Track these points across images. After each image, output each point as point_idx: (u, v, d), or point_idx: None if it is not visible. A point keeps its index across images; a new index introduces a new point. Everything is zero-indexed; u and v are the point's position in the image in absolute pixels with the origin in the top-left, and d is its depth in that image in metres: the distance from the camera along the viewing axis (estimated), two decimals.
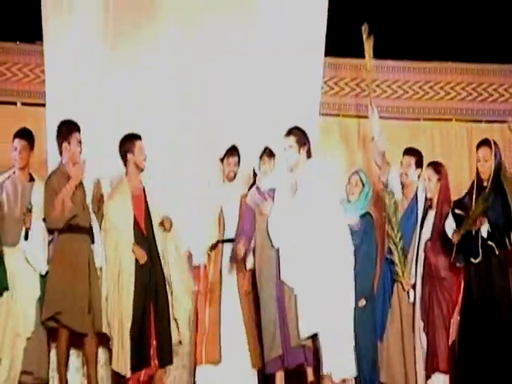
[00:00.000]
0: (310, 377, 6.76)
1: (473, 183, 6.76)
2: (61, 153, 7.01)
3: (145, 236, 7.03)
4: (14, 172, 6.96)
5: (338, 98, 8.12)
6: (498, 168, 6.70)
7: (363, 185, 7.34)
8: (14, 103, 7.87)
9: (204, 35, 7.83)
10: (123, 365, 6.80)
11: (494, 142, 6.81)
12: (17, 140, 6.95)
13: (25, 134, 6.99)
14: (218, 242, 7.25)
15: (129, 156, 7.04)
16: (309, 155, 7.02)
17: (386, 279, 7.23)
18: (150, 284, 7.00)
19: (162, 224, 7.06)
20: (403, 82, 8.23)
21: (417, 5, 8.06)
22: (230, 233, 7.21)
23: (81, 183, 6.99)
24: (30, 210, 6.82)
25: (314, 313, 6.67)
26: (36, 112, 7.74)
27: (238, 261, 7.11)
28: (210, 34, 7.85)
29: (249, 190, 7.24)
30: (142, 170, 7.16)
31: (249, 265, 7.20)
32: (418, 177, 7.37)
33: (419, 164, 7.36)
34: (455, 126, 8.26)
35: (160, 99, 7.66)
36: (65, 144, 6.95)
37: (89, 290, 6.85)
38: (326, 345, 6.64)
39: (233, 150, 7.42)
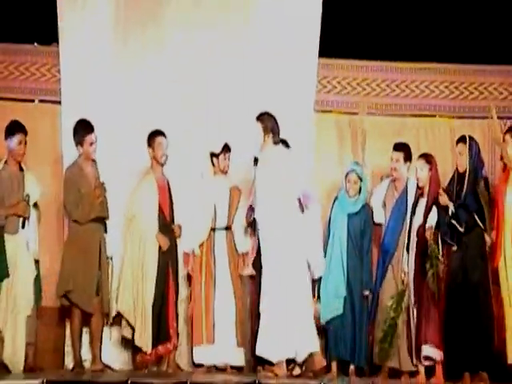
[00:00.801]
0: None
1: (454, 174, 7.24)
2: (78, 150, 7.32)
3: (169, 223, 7.43)
4: (6, 162, 7.20)
5: (330, 96, 8.31)
6: (475, 162, 7.13)
7: (361, 179, 7.59)
8: (32, 100, 8.09)
9: (205, 38, 8.02)
10: (145, 341, 7.22)
11: (470, 138, 7.24)
12: (19, 134, 7.16)
13: (22, 128, 7.23)
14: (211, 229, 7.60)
15: (149, 150, 7.41)
16: (276, 142, 7.29)
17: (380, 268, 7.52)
18: (170, 268, 7.40)
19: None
20: (391, 81, 8.39)
21: (405, 10, 8.22)
22: (222, 222, 7.60)
23: (98, 178, 7.33)
24: (26, 201, 7.12)
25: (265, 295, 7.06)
26: (52, 109, 8.03)
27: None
28: (211, 37, 8.03)
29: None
30: (162, 165, 7.44)
31: (242, 249, 7.60)
32: (408, 170, 7.59)
33: (407, 158, 7.60)
34: (439, 122, 8.45)
35: (164, 100, 7.87)
36: (80, 142, 7.28)
37: (98, 274, 7.21)
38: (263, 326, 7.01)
39: (227, 147, 7.69)
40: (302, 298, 7.05)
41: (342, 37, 8.13)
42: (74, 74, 7.94)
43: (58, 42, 7.94)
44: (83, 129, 7.33)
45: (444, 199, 7.11)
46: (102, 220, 7.32)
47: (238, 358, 7.46)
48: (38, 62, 8.08)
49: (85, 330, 7.38)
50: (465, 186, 7.15)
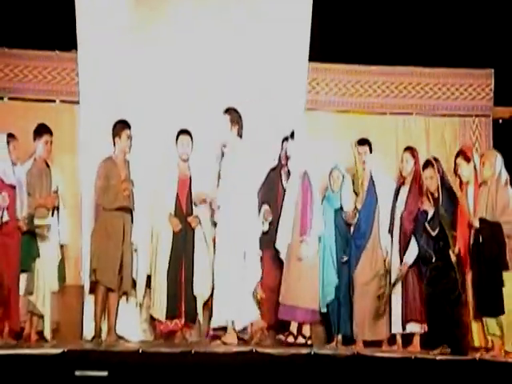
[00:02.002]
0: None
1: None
2: (114, 145, 7.75)
3: (183, 212, 7.81)
4: (35, 159, 7.64)
5: (320, 96, 8.70)
6: (443, 181, 7.38)
7: (343, 176, 7.93)
8: (54, 101, 8.42)
9: (204, 41, 8.32)
10: (160, 312, 7.67)
11: (435, 159, 7.48)
12: (46, 135, 7.62)
13: (48, 130, 7.67)
14: None
15: (176, 148, 7.86)
16: (240, 135, 7.61)
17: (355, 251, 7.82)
18: (184, 251, 7.78)
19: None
20: (373, 83, 8.76)
21: (385, 21, 8.67)
22: None
23: (128, 174, 7.75)
24: (56, 192, 7.63)
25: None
26: (71, 108, 8.40)
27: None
28: (209, 41, 8.32)
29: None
30: (184, 161, 7.85)
31: None
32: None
33: (371, 150, 7.92)
34: (415, 119, 8.81)
35: (179, 99, 8.19)
36: (116, 138, 7.73)
37: (121, 256, 7.62)
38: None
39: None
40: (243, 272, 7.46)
41: (330, 43, 8.53)
42: (91, 77, 8.29)
43: (76, 49, 8.29)
44: (121, 126, 7.70)
45: (427, 205, 7.41)
46: (127, 209, 7.71)
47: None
48: (59, 67, 8.40)
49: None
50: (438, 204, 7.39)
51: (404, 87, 8.83)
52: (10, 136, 7.39)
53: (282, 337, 7.63)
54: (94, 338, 7.71)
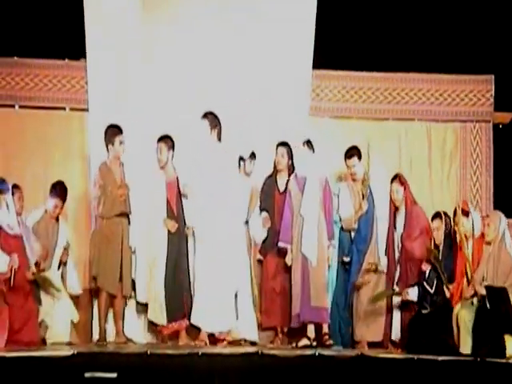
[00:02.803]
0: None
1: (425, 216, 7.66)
2: (108, 149, 7.72)
3: (174, 214, 7.74)
4: (46, 211, 7.74)
5: (323, 103, 8.76)
6: (449, 234, 7.45)
7: (339, 189, 7.95)
8: (64, 108, 8.54)
9: (208, 47, 8.36)
10: (161, 317, 7.61)
11: (445, 214, 7.50)
12: (57, 200, 7.67)
13: (62, 194, 7.74)
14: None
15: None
16: (219, 138, 7.62)
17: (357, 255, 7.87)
18: (179, 253, 7.73)
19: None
20: (375, 89, 8.80)
21: (387, 28, 8.72)
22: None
23: (123, 178, 7.73)
24: (66, 248, 7.75)
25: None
26: (81, 115, 8.50)
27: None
28: (213, 47, 8.36)
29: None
30: (162, 168, 7.76)
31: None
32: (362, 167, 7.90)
33: (360, 157, 7.86)
34: (417, 125, 8.87)
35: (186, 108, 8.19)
36: (109, 145, 7.72)
37: (120, 261, 7.63)
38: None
39: (253, 155, 8.03)
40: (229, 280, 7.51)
41: (333, 50, 8.62)
42: (100, 85, 8.41)
43: (85, 58, 8.41)
44: (113, 131, 7.70)
45: (425, 265, 7.47)
46: (124, 214, 7.73)
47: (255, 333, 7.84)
48: (68, 75, 8.50)
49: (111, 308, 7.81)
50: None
51: (406, 93, 8.88)
52: (15, 187, 7.49)
53: (306, 341, 7.69)
54: (98, 341, 7.77)
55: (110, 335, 7.87)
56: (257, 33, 8.50)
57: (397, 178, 7.87)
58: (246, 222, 8.03)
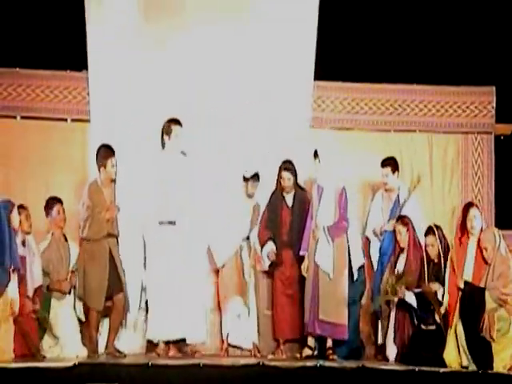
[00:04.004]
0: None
1: (423, 260, 7.55)
2: (100, 172, 7.70)
3: None
4: (53, 234, 7.74)
5: (325, 114, 8.78)
6: (445, 248, 7.49)
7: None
8: (65, 119, 8.53)
9: (210, 56, 8.35)
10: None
11: (437, 227, 7.56)
12: (57, 205, 7.64)
13: (58, 199, 7.72)
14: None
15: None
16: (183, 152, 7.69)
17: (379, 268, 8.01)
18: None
19: None
20: (377, 100, 8.84)
21: (388, 39, 8.79)
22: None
23: (114, 199, 7.71)
24: (73, 272, 7.70)
25: None
26: (82, 126, 8.49)
27: None
28: (215, 58, 8.36)
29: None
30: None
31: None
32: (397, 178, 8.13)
33: (395, 169, 8.10)
34: (418, 136, 8.92)
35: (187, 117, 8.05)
36: (101, 168, 7.69)
37: (109, 279, 7.57)
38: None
39: (257, 176, 8.08)
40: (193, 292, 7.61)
41: (334, 61, 8.68)
42: (101, 96, 8.41)
43: (87, 69, 8.42)
44: (105, 152, 7.68)
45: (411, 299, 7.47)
46: (112, 235, 7.67)
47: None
48: (70, 86, 8.51)
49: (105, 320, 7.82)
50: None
51: (407, 105, 8.94)
52: (21, 207, 7.45)
53: (309, 351, 7.76)
54: (88, 356, 7.67)
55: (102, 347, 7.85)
56: (257, 42, 8.54)
57: (400, 220, 7.86)
58: (247, 238, 8.17)
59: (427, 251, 7.61)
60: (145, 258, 7.90)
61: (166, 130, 7.81)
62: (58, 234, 7.81)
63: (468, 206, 7.47)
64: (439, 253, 7.54)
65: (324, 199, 7.77)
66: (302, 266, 7.83)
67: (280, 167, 8.12)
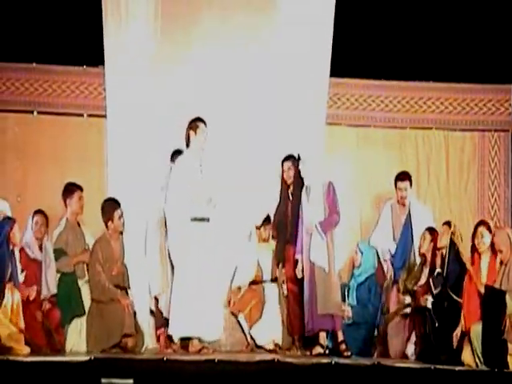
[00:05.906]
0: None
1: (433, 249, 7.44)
2: (108, 226, 7.60)
3: None
4: (67, 219, 7.71)
5: (340, 111, 8.83)
6: (453, 245, 7.29)
7: (362, 253, 8.04)
8: (82, 115, 8.59)
9: (228, 54, 8.44)
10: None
11: (448, 223, 7.37)
12: (78, 191, 7.65)
13: (78, 186, 7.72)
14: None
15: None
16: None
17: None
18: None
19: None
20: (393, 98, 8.88)
21: (405, 36, 8.74)
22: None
23: (123, 254, 7.62)
24: (87, 250, 7.68)
25: None
26: (98, 122, 8.55)
27: None
28: (234, 54, 8.44)
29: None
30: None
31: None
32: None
33: (411, 184, 8.02)
34: (435, 134, 8.92)
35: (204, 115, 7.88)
36: (109, 222, 7.59)
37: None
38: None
39: (268, 219, 8.11)
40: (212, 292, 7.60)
41: (351, 58, 8.65)
42: (117, 92, 8.46)
43: (103, 65, 8.47)
44: (110, 206, 7.60)
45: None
46: (122, 287, 7.57)
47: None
48: (87, 82, 8.58)
49: None
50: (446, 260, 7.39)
51: (424, 102, 8.95)
52: (38, 212, 7.52)
53: (320, 349, 7.70)
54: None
55: None
56: (275, 42, 8.57)
57: (429, 229, 7.70)
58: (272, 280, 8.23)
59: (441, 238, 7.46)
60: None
61: (192, 126, 7.74)
62: (72, 220, 7.75)
63: (477, 225, 7.31)
64: (445, 245, 7.39)
65: (312, 197, 7.70)
66: (297, 270, 7.77)
67: (282, 161, 8.08)
